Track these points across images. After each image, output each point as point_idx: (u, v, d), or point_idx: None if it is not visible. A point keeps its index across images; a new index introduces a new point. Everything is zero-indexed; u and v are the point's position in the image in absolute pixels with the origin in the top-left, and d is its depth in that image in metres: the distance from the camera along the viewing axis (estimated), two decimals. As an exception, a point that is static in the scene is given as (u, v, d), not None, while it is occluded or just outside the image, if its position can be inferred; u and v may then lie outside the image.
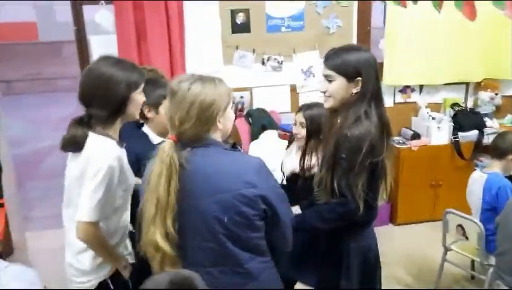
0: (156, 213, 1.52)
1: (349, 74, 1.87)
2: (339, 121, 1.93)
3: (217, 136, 1.62)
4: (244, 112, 4.05)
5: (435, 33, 4.13)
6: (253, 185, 1.56)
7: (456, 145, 4.16)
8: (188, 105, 1.53)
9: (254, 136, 3.75)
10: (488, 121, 4.39)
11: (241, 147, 3.78)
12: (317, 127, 2.31)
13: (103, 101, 1.78)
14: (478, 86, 4.49)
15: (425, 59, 4.14)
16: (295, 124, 2.51)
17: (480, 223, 2.85)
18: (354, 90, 1.88)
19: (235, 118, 4.03)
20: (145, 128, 2.31)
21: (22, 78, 8.94)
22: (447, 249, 3.19)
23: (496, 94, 4.44)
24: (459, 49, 4.20)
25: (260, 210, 1.58)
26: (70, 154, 1.88)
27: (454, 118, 4.29)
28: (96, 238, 1.79)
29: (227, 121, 1.64)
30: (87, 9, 3.68)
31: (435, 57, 4.16)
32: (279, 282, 1.74)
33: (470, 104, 4.54)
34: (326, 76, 1.93)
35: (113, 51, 3.59)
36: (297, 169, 2.43)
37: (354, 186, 1.81)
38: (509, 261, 2.22)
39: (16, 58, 8.63)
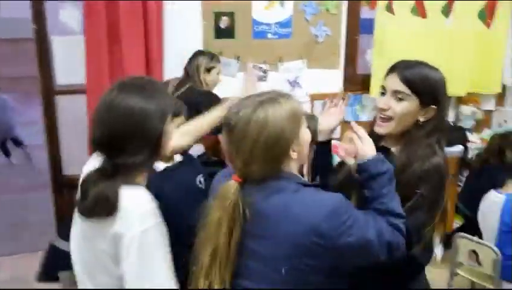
0: (212, 265, 1.27)
1: (426, 97, 1.49)
2: (398, 154, 1.56)
3: (292, 167, 1.33)
4: (226, 125, 3.71)
5: (422, 45, 3.99)
6: (318, 235, 1.23)
7: (443, 161, 4.04)
8: (250, 144, 1.24)
9: (240, 151, 3.42)
10: (470, 136, 4.34)
11: (223, 163, 3.44)
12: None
13: (141, 141, 1.32)
14: (460, 100, 4.43)
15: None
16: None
17: (496, 249, 2.70)
18: (422, 119, 1.51)
19: (218, 131, 3.73)
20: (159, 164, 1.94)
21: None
22: (453, 275, 3.02)
23: (478, 108, 4.40)
24: (445, 61, 4.09)
25: (325, 262, 1.27)
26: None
27: (439, 132, 4.18)
28: None
29: (302, 146, 1.34)
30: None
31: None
32: None
33: (451, 119, 4.47)
34: (395, 92, 1.52)
35: (79, 53, 3.16)
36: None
37: (422, 228, 1.47)
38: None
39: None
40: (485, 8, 4.09)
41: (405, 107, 1.51)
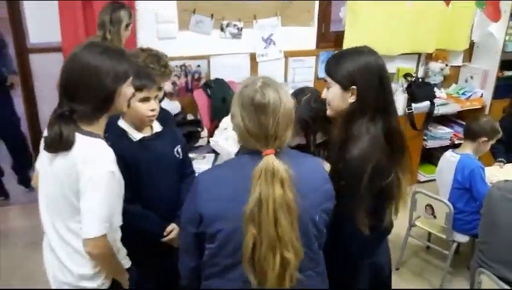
0: (281, 236, 1.36)
1: (343, 81, 1.66)
2: (335, 135, 1.77)
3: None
4: (201, 82, 3.78)
5: (393, 4, 4.06)
6: (328, 180, 1.55)
7: (410, 116, 4.23)
8: (284, 114, 1.41)
9: (215, 110, 3.52)
10: (437, 91, 4.51)
11: (200, 122, 3.55)
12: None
13: (88, 95, 1.54)
14: (429, 57, 4.56)
15: (383, 29, 4.09)
16: None
17: (449, 204, 2.94)
18: (350, 100, 1.67)
19: (192, 90, 3.81)
20: (121, 123, 2.01)
21: None
22: (411, 226, 3.28)
23: (446, 65, 4.54)
24: (414, 20, 4.19)
25: (333, 204, 1.56)
26: (45, 154, 1.60)
27: (408, 88, 4.34)
28: (108, 251, 1.61)
29: None
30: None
31: (392, 27, 4.12)
32: None
33: (420, 74, 4.62)
34: (324, 81, 1.76)
35: (52, 17, 3.16)
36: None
37: (356, 212, 1.61)
38: (495, 250, 2.29)
39: None
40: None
41: (331, 92, 1.72)
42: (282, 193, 1.34)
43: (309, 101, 2.10)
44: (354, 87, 1.65)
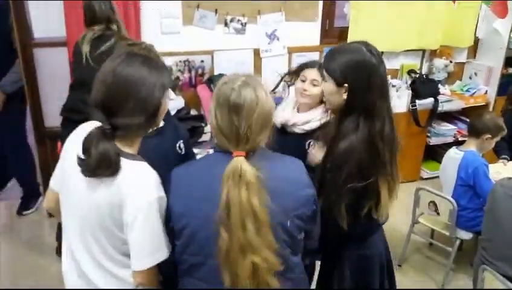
0: (257, 238, 1.34)
1: (337, 77, 1.67)
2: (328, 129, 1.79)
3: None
4: (205, 78, 3.78)
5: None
6: (307, 185, 1.49)
7: (413, 113, 4.22)
8: (261, 118, 1.38)
9: (218, 105, 3.51)
10: (441, 88, 4.49)
11: (203, 117, 3.54)
12: None
13: (138, 106, 1.40)
14: (433, 53, 4.54)
15: (387, 25, 4.08)
16: (303, 80, 2.24)
17: (453, 200, 2.93)
18: (344, 96, 1.67)
19: (196, 85, 3.80)
20: None
21: None
22: (414, 223, 3.27)
23: (450, 61, 4.53)
24: (419, 16, 4.17)
25: (310, 210, 1.50)
26: (78, 177, 1.42)
27: (412, 85, 4.33)
28: (157, 280, 1.53)
29: None
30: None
31: (396, 24, 4.10)
32: None
33: (424, 71, 4.60)
34: (322, 76, 1.79)
35: (57, 11, 3.17)
36: (290, 121, 2.24)
37: (335, 207, 1.63)
38: (498, 247, 2.29)
39: None
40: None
41: (325, 86, 1.74)
42: (246, 197, 1.31)
43: None
44: (346, 85, 1.65)
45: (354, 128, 1.63)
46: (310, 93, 2.20)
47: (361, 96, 1.63)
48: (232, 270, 1.36)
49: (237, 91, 1.37)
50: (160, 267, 1.50)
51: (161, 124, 2.03)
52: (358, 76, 1.64)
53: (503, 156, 3.35)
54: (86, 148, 1.38)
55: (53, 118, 3.31)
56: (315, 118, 2.18)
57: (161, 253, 1.45)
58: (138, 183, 1.40)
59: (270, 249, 1.36)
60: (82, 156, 1.39)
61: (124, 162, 1.40)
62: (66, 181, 1.52)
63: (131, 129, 1.42)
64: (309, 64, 2.28)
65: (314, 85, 2.20)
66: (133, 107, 1.39)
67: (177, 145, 2.09)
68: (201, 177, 1.43)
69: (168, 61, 3.54)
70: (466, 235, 3.05)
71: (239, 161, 1.34)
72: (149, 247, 1.43)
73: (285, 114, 2.27)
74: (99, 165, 1.36)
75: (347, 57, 1.67)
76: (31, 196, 3.79)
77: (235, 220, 1.32)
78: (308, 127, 2.19)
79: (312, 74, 2.21)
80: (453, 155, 3.02)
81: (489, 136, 2.95)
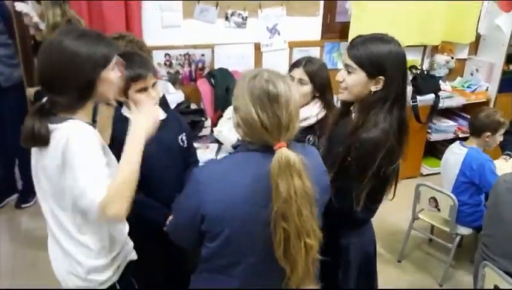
0: (304, 225, 1.35)
1: (372, 70, 1.62)
2: (353, 118, 1.73)
3: None
4: (205, 72, 3.76)
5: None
6: (326, 173, 1.53)
7: (414, 109, 4.20)
8: (294, 105, 1.38)
9: (218, 99, 3.50)
10: (442, 84, 4.48)
11: (203, 111, 3.52)
12: (323, 82, 2.25)
13: (67, 85, 1.43)
14: (435, 49, 4.52)
15: (388, 20, 4.05)
16: (292, 80, 2.26)
17: (454, 196, 2.92)
18: (373, 89, 1.64)
19: (196, 79, 3.78)
20: (125, 110, 1.96)
21: None
22: (414, 219, 3.26)
23: (452, 58, 4.51)
24: (421, 12, 4.15)
25: (327, 199, 1.55)
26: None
27: (413, 81, 4.31)
28: (125, 205, 1.42)
29: None
30: None
31: (398, 19, 4.08)
32: None
33: (425, 67, 4.58)
34: (346, 66, 1.70)
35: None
36: None
37: (358, 193, 1.64)
38: (499, 243, 2.28)
39: None
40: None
41: (354, 78, 1.67)
42: (301, 184, 1.31)
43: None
44: (381, 77, 1.62)
45: (384, 119, 1.62)
46: (299, 92, 2.21)
47: (396, 87, 1.64)
48: (291, 259, 1.36)
49: (272, 82, 1.36)
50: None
51: (163, 115, 2.02)
52: (397, 70, 1.64)
53: (507, 152, 3.31)
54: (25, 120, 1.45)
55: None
56: (312, 114, 2.22)
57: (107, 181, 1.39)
58: (68, 138, 1.40)
59: (317, 225, 1.38)
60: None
61: (59, 126, 1.43)
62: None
63: (64, 106, 1.45)
64: (295, 64, 2.33)
65: (302, 84, 2.25)
66: (62, 85, 1.42)
67: (180, 137, 2.09)
68: (239, 179, 1.37)
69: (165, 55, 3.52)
70: (466, 230, 3.05)
71: (285, 152, 1.32)
72: (90, 183, 1.37)
73: None
74: (26, 139, 1.43)
75: (384, 50, 1.63)
76: (30, 189, 3.77)
77: (294, 209, 1.31)
78: (306, 123, 2.21)
79: (298, 73, 2.26)
80: (456, 150, 3.00)
81: (489, 133, 2.92)
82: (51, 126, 1.43)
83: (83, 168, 1.38)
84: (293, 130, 1.38)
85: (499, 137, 2.97)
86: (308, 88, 2.24)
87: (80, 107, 1.48)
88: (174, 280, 2.19)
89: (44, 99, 1.48)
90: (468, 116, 4.46)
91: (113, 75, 1.51)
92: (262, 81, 1.36)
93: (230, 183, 1.37)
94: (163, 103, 2.09)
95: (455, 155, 3.00)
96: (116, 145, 1.56)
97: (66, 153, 1.39)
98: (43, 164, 1.48)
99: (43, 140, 1.43)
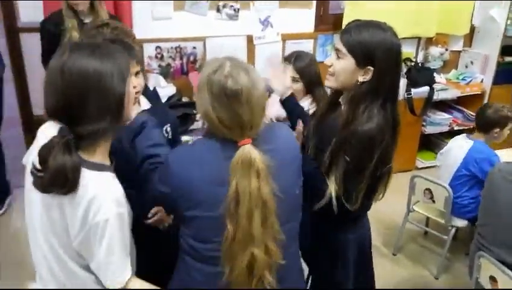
0: (265, 226, 1.30)
1: (361, 58, 1.51)
2: (342, 111, 1.63)
3: None
4: (197, 65, 3.71)
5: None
6: (298, 148, 1.51)
7: (409, 101, 4.17)
8: (261, 102, 1.33)
9: (211, 92, 3.45)
10: (436, 77, 4.44)
11: (195, 105, 3.47)
12: (312, 78, 2.28)
13: (100, 107, 1.21)
14: (429, 41, 4.49)
15: (382, 12, 4.00)
16: None
17: (449, 188, 2.89)
18: (361, 79, 1.53)
19: (188, 72, 3.73)
20: None
21: None
22: (410, 211, 3.23)
23: (446, 50, 4.47)
24: (415, 3, 4.11)
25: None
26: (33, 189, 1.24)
27: (407, 73, 4.27)
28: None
29: None
30: None
31: (392, 11, 4.03)
32: None
33: (419, 59, 4.55)
34: (336, 50, 1.58)
35: None
36: (282, 116, 2.23)
37: (353, 190, 1.57)
38: (494, 233, 2.25)
39: None
40: None
41: (342, 64, 1.57)
42: (257, 186, 1.25)
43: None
44: (370, 68, 1.52)
45: (378, 111, 1.53)
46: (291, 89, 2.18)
47: (388, 79, 1.53)
48: (230, 261, 1.30)
49: (232, 77, 1.27)
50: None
51: (147, 105, 1.96)
52: (390, 61, 1.52)
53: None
54: (42, 159, 1.18)
55: (42, 107, 3.23)
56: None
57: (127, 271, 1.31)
58: (98, 198, 1.21)
59: (274, 240, 1.31)
60: (38, 167, 1.20)
61: (86, 174, 1.23)
62: (27, 189, 1.33)
63: (98, 135, 1.24)
64: (286, 60, 2.35)
65: (294, 81, 2.26)
66: (95, 109, 1.20)
67: (164, 128, 2.02)
68: (210, 160, 1.33)
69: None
70: (461, 222, 3.01)
71: (247, 149, 1.27)
72: (117, 261, 1.28)
73: (275, 110, 2.24)
74: (54, 182, 1.17)
75: (376, 38, 1.52)
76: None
77: (243, 211, 1.26)
78: None
79: (289, 70, 2.27)
80: (461, 143, 2.96)
81: (498, 129, 2.88)
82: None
83: (118, 242, 1.26)
84: (258, 126, 1.33)
85: (507, 131, 2.92)
86: (300, 85, 2.28)
87: (115, 131, 1.32)
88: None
89: (65, 133, 1.22)
90: (463, 109, 4.49)
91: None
92: (222, 77, 1.27)
93: (203, 163, 1.33)
94: (153, 94, 2.04)
95: (459, 147, 2.96)
96: None
97: (97, 217, 1.22)
98: (60, 200, 1.25)
99: (71, 186, 1.19)
